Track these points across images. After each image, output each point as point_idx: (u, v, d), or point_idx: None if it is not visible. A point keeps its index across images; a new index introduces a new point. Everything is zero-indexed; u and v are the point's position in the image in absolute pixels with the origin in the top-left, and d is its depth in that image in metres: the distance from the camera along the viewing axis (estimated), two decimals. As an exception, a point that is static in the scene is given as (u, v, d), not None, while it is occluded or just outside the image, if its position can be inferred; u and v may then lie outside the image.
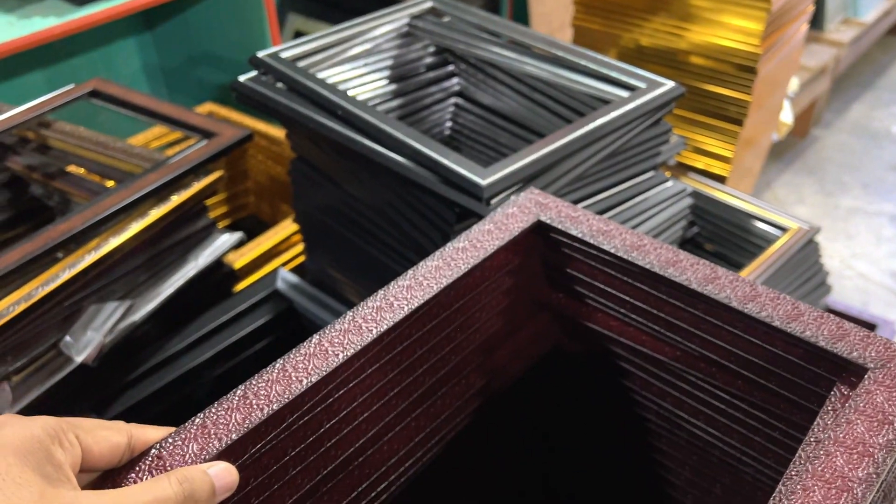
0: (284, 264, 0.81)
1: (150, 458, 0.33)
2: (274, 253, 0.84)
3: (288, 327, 0.75)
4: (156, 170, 0.70)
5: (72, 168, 0.85)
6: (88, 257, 0.64)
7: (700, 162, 1.06)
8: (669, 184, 0.75)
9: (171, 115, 0.78)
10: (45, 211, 0.92)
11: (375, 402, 0.43)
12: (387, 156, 0.62)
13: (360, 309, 0.41)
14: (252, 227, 1.00)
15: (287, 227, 0.84)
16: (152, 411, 0.67)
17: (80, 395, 0.65)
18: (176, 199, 0.70)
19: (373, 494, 0.45)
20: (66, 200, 0.86)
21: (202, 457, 0.33)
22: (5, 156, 0.85)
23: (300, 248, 0.84)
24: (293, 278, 0.76)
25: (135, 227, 0.67)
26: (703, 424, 0.47)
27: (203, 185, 0.72)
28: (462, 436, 0.50)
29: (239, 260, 0.80)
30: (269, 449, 0.37)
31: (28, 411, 0.61)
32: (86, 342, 0.64)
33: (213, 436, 0.34)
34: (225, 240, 0.75)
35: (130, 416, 0.66)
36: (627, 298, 0.47)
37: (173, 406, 0.69)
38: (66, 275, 0.62)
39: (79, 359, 0.63)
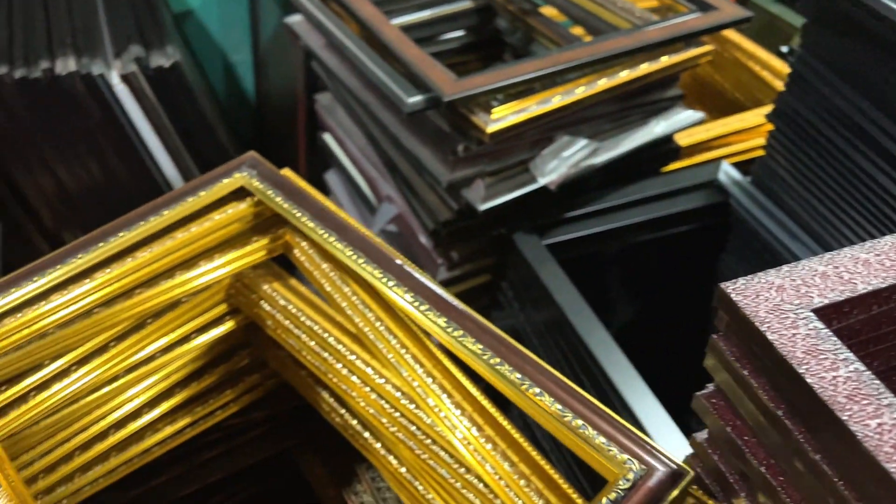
0: (729, 157, 0.79)
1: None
2: (720, 144, 0.82)
3: (718, 221, 0.73)
4: (647, 28, 0.70)
5: (546, 10, 0.89)
6: (578, 91, 0.67)
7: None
8: None
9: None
10: (496, 45, 0.98)
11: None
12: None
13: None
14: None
15: (742, 121, 0.81)
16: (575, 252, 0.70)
17: (533, 213, 0.70)
18: (665, 61, 0.70)
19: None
20: (528, 39, 0.91)
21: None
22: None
23: (752, 143, 0.80)
24: (736, 174, 0.74)
25: (623, 76, 0.68)
26: None
27: (690, 55, 0.71)
28: None
29: (686, 139, 0.79)
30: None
31: (490, 215, 0.66)
32: (552, 168, 0.67)
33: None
34: (687, 115, 0.74)
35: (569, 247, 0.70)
36: None
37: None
38: (558, 101, 0.65)
39: (542, 180, 0.67)
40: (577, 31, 0.90)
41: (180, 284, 0.49)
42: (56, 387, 0.46)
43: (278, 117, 1.28)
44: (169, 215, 0.49)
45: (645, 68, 0.69)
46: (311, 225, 0.47)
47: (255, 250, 0.51)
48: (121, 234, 0.48)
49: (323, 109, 0.94)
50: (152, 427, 0.55)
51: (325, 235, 0.47)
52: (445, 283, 0.74)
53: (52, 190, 0.98)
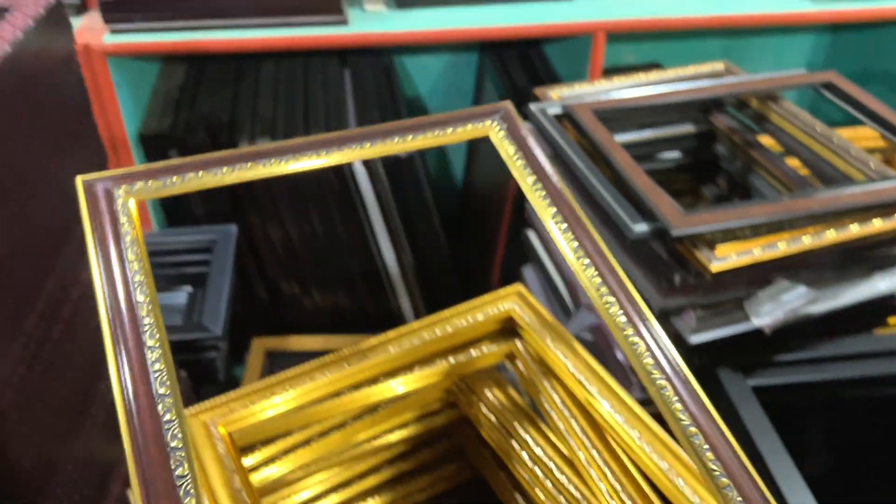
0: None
1: None
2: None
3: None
4: (884, 183, 0.69)
5: (767, 141, 0.90)
6: (804, 240, 0.67)
7: None
8: None
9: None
10: (712, 168, 0.99)
11: None
12: None
13: None
14: None
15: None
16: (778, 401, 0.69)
17: (741, 351, 0.70)
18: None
19: None
20: (747, 170, 0.92)
21: None
22: (716, 111, 0.92)
23: None
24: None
25: (853, 231, 0.68)
26: None
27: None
28: None
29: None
30: None
31: (697, 347, 0.67)
32: (768, 310, 0.68)
33: None
34: (919, 276, 0.72)
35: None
36: None
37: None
38: (783, 248, 0.66)
39: (757, 322, 0.68)
40: (793, 162, 0.90)
41: (415, 380, 0.54)
42: (299, 451, 0.52)
43: (482, 202, 1.35)
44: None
45: (877, 225, 0.68)
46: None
47: (483, 357, 0.56)
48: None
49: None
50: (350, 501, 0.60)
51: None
52: (640, 403, 0.75)
53: (281, 243, 1.10)
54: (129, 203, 0.40)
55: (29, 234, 0.52)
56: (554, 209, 0.46)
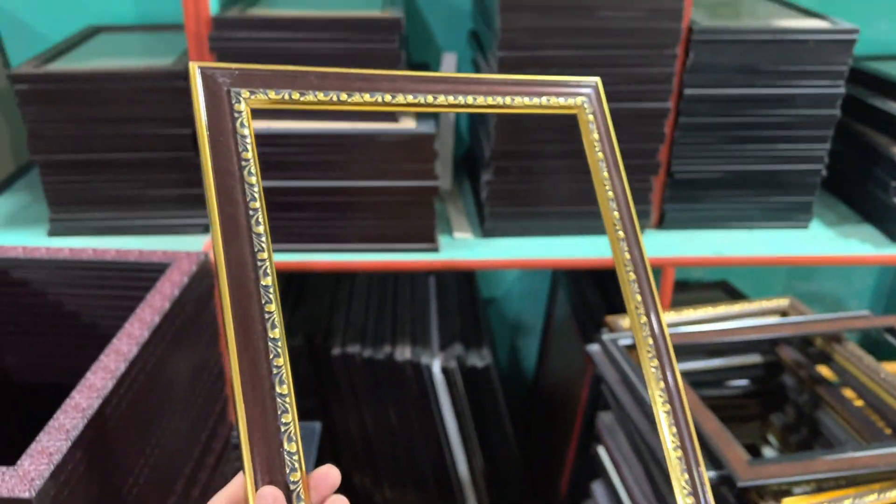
0: None
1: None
2: None
3: None
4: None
5: (828, 374, 0.93)
6: (868, 499, 0.69)
7: None
8: None
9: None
10: (779, 396, 1.03)
11: None
12: None
13: None
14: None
15: None
16: None
17: None
18: (968, 481, 0.70)
19: None
20: (814, 404, 0.95)
21: None
22: (783, 344, 0.97)
23: None
24: None
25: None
26: None
27: None
28: None
29: None
30: None
31: None
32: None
33: None
34: None
35: None
36: None
37: None
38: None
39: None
40: (851, 395, 0.92)
41: None
42: None
43: (553, 408, 1.39)
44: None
45: (940, 487, 0.70)
46: None
47: None
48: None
49: (603, 426, 1.03)
50: None
51: None
52: None
53: (358, 438, 1.16)
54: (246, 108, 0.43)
55: (165, 452, 0.60)
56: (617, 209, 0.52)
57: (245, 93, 0.45)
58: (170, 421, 0.61)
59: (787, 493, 0.69)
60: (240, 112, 0.44)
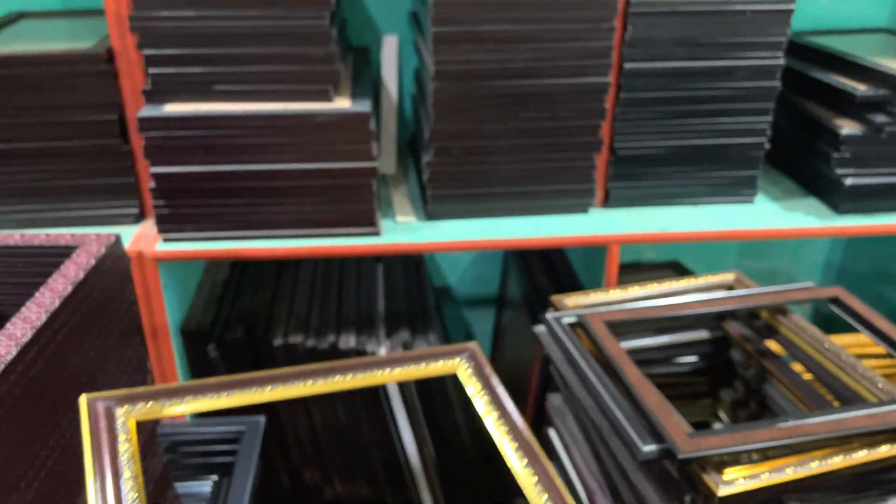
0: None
1: None
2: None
3: None
4: (892, 406, 0.71)
5: (778, 349, 0.92)
6: (812, 465, 0.68)
7: None
8: None
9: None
10: (728, 372, 1.02)
11: None
12: None
13: None
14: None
15: None
16: None
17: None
18: (908, 446, 0.69)
19: None
20: (761, 378, 0.94)
21: None
22: (729, 319, 0.96)
23: None
24: None
25: (860, 456, 0.68)
26: None
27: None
28: None
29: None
30: None
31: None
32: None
33: None
34: (933, 502, 0.72)
35: None
36: None
37: None
38: (790, 473, 0.67)
39: (769, 549, 0.67)
40: (799, 367, 0.92)
41: None
42: None
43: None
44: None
45: (884, 451, 0.69)
46: None
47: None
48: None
49: (553, 408, 1.01)
50: None
51: None
52: None
53: (306, 432, 1.13)
54: (129, 422, 0.45)
55: (70, 443, 0.56)
56: (516, 444, 0.50)
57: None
58: (77, 414, 0.58)
59: (730, 464, 0.68)
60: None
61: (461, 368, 0.56)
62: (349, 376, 0.53)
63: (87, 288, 0.57)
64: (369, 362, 0.54)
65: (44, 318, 0.51)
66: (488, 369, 0.55)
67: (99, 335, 0.60)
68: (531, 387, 1.14)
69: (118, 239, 0.63)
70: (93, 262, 0.59)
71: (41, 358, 0.51)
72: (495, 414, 0.51)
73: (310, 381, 0.51)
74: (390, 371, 0.54)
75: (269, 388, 0.49)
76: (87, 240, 0.62)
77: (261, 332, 1.04)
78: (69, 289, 0.55)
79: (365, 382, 0.53)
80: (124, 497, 0.41)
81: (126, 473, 0.42)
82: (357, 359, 0.54)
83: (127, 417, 0.46)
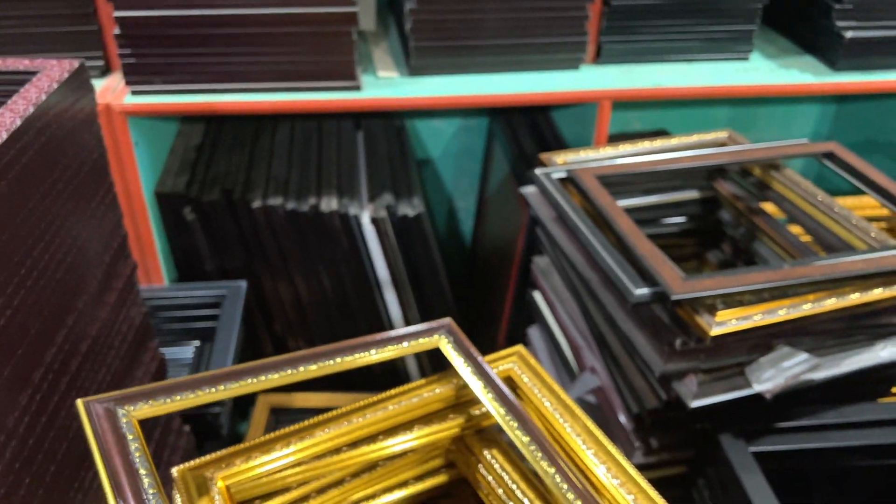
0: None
1: None
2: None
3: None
4: (885, 252, 0.70)
5: (770, 208, 0.91)
6: (805, 307, 0.67)
7: None
8: None
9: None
10: (716, 234, 1.01)
11: None
12: None
13: None
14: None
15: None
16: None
17: (742, 417, 0.70)
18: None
19: None
20: (750, 237, 0.93)
21: None
22: (720, 178, 0.94)
23: None
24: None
25: (853, 298, 0.68)
26: None
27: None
28: None
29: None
30: None
31: (699, 411, 0.67)
32: (769, 376, 0.68)
33: None
34: (919, 344, 0.72)
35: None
36: None
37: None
38: (783, 314, 0.66)
39: (757, 387, 0.68)
40: (796, 229, 0.91)
41: (414, 439, 0.55)
42: (296, 508, 0.53)
43: (490, 264, 1.37)
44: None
45: (877, 294, 0.69)
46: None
47: (482, 417, 0.57)
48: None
49: (538, 271, 1.00)
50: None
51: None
52: (640, 468, 0.75)
53: (289, 300, 1.11)
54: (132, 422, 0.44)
55: (42, 288, 0.54)
56: (503, 409, 0.49)
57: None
58: (49, 247, 0.55)
59: (722, 307, 0.67)
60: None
61: (443, 343, 0.56)
62: (338, 360, 0.56)
63: (50, 112, 0.53)
64: (353, 345, 0.57)
65: (4, 135, 0.47)
66: (467, 341, 0.56)
67: (69, 169, 0.57)
68: (516, 251, 1.13)
69: (82, 66, 0.59)
70: (55, 85, 0.54)
71: (3, 179, 0.47)
72: (481, 383, 0.52)
73: (301, 367, 0.53)
74: (375, 353, 0.57)
75: (260, 377, 0.49)
76: (48, 65, 0.57)
77: (239, 195, 1.00)
78: (31, 109, 0.51)
79: (349, 365, 0.56)
80: (147, 498, 0.40)
81: (142, 471, 0.42)
82: (338, 343, 0.57)
83: (129, 417, 0.45)
